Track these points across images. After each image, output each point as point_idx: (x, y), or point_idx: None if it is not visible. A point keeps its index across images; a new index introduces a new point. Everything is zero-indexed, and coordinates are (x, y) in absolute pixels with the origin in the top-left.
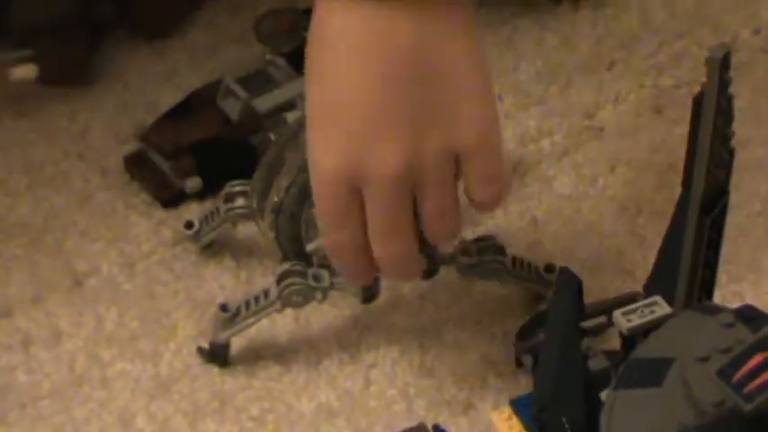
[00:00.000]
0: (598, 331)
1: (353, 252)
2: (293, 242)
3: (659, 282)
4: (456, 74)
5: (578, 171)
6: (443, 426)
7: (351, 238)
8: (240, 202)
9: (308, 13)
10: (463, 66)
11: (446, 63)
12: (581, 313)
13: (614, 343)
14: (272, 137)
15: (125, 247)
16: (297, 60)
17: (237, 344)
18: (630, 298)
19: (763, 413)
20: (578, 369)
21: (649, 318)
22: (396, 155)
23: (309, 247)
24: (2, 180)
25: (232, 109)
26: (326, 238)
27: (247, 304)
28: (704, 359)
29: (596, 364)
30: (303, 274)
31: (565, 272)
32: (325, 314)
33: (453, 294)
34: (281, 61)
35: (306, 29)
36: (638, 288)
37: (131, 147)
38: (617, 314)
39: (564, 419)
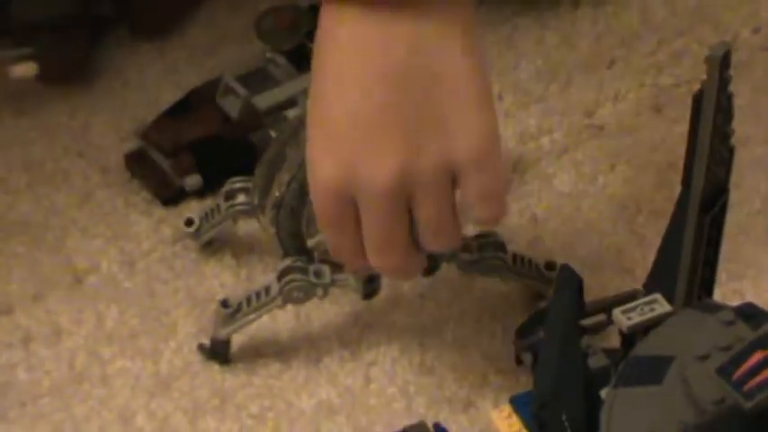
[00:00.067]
0: (598, 329)
1: (352, 253)
2: (294, 238)
3: (659, 280)
4: (455, 85)
5: (578, 169)
6: (444, 424)
7: (349, 242)
8: (241, 198)
9: (310, 10)
10: (462, 75)
11: (445, 72)
12: (581, 311)
13: (614, 341)
14: (273, 134)
15: (125, 245)
16: (297, 58)
17: (238, 341)
18: (630, 296)
19: (764, 411)
20: (578, 367)
21: (649, 316)
22: (390, 167)
23: (310, 242)
24: (2, 178)
25: (232, 107)
26: (326, 238)
27: (248, 300)
28: (704, 357)
29: (596, 362)
30: (304, 271)
31: (565, 269)
32: (325, 311)
33: (454, 292)
34: (282, 59)
35: (307, 26)
36: (638, 286)
37: (131, 144)
38: (617, 312)
39: (564, 417)
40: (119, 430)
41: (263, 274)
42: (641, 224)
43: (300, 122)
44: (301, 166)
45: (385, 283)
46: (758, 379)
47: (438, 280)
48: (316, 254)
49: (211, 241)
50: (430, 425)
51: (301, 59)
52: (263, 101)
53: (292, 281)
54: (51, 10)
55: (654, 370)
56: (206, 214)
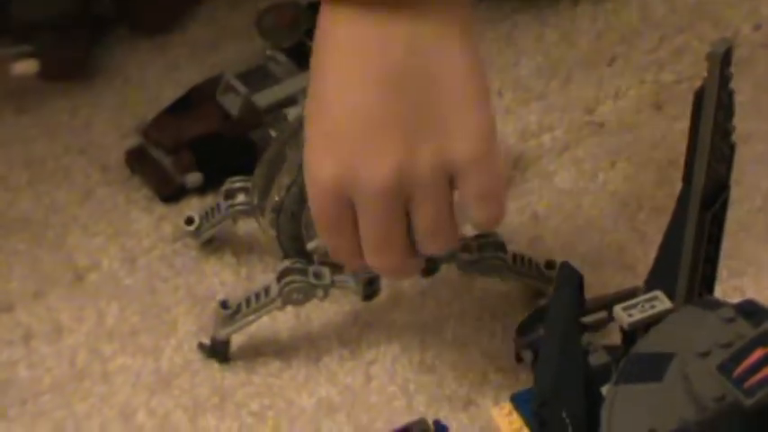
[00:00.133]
0: (599, 326)
1: (350, 254)
2: (294, 241)
3: (660, 277)
4: (452, 85)
5: (579, 166)
6: (444, 421)
7: (347, 244)
8: (241, 198)
9: (309, 8)
10: (460, 76)
11: (442, 72)
12: (582, 308)
13: (615, 338)
14: (273, 133)
15: (126, 243)
16: (298, 56)
17: (238, 340)
18: (631, 293)
19: (764, 408)
20: (579, 364)
21: (650, 313)
22: (386, 168)
23: (310, 245)
24: (3, 175)
25: (232, 104)
26: (324, 240)
27: (248, 301)
28: (705, 354)
29: (597, 359)
30: (304, 272)
31: (566, 267)
32: (325, 310)
33: (454, 291)
34: (282, 57)
35: (307, 24)
36: (639, 283)
37: (132, 142)
38: (617, 309)
39: (564, 414)
40: (119, 427)
41: (263, 273)
42: (642, 221)
43: (300, 123)
44: (301, 169)
45: (385, 281)
46: (759, 376)
47: (438, 279)
48: (315, 256)
49: (211, 239)
50: (430, 422)
51: (302, 57)
52: (264, 98)
53: (292, 282)
54: (51, 9)
55: (654, 367)
56: (206, 213)
